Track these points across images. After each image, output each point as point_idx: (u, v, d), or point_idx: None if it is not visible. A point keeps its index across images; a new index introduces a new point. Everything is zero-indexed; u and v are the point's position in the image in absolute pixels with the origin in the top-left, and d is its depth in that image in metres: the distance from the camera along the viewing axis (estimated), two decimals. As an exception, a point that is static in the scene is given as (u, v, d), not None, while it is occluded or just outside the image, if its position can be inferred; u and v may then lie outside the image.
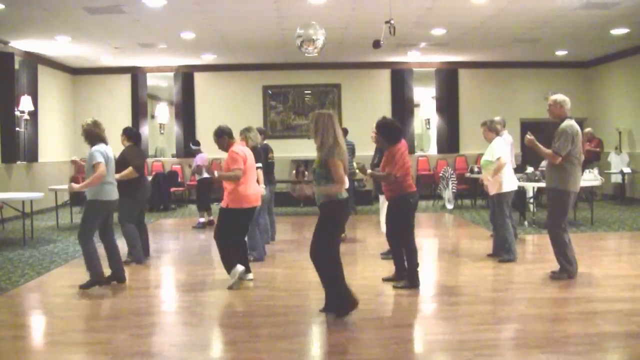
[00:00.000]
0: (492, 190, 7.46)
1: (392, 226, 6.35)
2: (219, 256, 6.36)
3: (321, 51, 8.88)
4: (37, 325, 5.42)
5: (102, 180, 6.20)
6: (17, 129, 12.71)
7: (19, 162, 12.74)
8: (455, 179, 13.36)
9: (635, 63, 14.06)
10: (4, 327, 5.12)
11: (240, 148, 6.56)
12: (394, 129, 6.34)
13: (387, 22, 8.78)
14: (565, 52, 14.75)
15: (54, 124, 14.54)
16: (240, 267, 6.28)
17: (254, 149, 7.19)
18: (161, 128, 18.07)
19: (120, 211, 7.70)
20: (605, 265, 7.24)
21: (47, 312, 5.69)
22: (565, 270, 6.37)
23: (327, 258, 5.04)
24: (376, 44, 9.66)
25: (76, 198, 12.70)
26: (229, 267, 6.30)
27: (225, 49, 13.63)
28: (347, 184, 5.05)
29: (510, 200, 7.56)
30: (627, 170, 13.66)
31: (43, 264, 7.64)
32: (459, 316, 5.22)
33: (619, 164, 14.05)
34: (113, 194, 6.41)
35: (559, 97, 6.47)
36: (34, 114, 13.03)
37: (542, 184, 10.32)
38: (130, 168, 7.53)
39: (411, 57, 15.33)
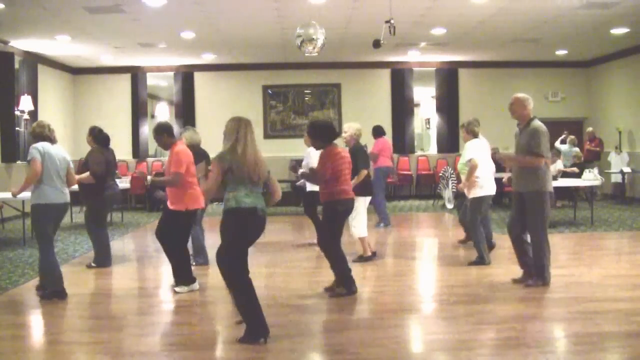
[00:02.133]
0: (469, 194, 7.30)
1: (323, 232, 6.12)
2: (176, 264, 6.19)
3: (321, 51, 8.88)
4: (37, 325, 5.42)
5: (40, 181, 5.74)
6: (17, 128, 12.70)
7: (19, 162, 12.73)
8: (455, 179, 13.31)
9: (635, 63, 14.06)
10: (4, 326, 5.12)
11: (185, 148, 6.29)
12: (327, 129, 6.02)
13: (387, 21, 8.78)
14: (565, 52, 14.75)
15: (54, 124, 14.20)
16: (197, 285, 6.23)
17: (191, 149, 6.91)
18: (161, 128, 18.05)
19: (86, 216, 7.64)
20: (605, 265, 7.23)
21: (47, 312, 5.68)
22: (542, 278, 6.08)
23: (231, 270, 4.53)
24: (376, 44, 9.66)
25: (76, 198, 12.69)
26: (188, 277, 6.18)
27: (225, 48, 13.63)
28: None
29: (485, 206, 7.37)
30: (627, 169, 13.66)
31: (43, 264, 7.63)
32: (459, 316, 5.22)
33: (619, 163, 14.05)
34: (57, 197, 5.83)
35: (522, 95, 6.14)
36: (34, 114, 13.02)
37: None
38: (87, 173, 7.33)
39: (411, 56, 15.33)
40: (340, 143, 6.50)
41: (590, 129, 14.89)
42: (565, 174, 11.95)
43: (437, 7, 10.18)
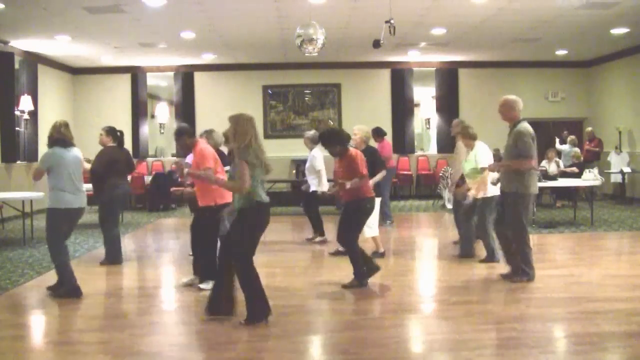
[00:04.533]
0: (477, 195, 7.32)
1: (349, 229, 6.24)
2: (204, 261, 6.23)
3: (321, 51, 8.88)
4: (37, 325, 5.42)
5: (55, 187, 5.86)
6: (17, 128, 12.71)
7: (19, 162, 12.74)
8: (455, 179, 13.34)
9: (635, 63, 14.06)
10: (4, 326, 5.12)
11: (206, 146, 6.37)
12: (342, 135, 6.33)
13: (387, 21, 8.79)
14: (565, 52, 14.75)
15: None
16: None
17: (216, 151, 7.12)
18: (161, 128, 18.07)
19: (99, 215, 7.78)
20: (605, 265, 7.23)
21: (47, 312, 5.69)
22: (526, 274, 6.22)
23: (246, 262, 4.90)
24: (376, 44, 9.66)
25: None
26: (211, 273, 6.14)
27: (225, 48, 13.63)
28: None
29: (494, 205, 7.32)
30: (627, 169, 13.66)
31: (43, 264, 7.64)
32: (459, 316, 5.22)
33: (619, 163, 14.05)
34: (74, 201, 5.92)
35: (510, 97, 6.24)
36: (34, 114, 13.03)
37: (542, 184, 10.35)
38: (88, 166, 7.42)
39: (411, 56, 15.33)
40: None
41: (589, 128, 14.88)
42: (565, 174, 11.96)
43: (437, 7, 10.18)
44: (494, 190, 7.22)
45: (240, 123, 4.91)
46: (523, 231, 6.19)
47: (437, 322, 5.20)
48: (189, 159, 10.72)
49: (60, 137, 5.99)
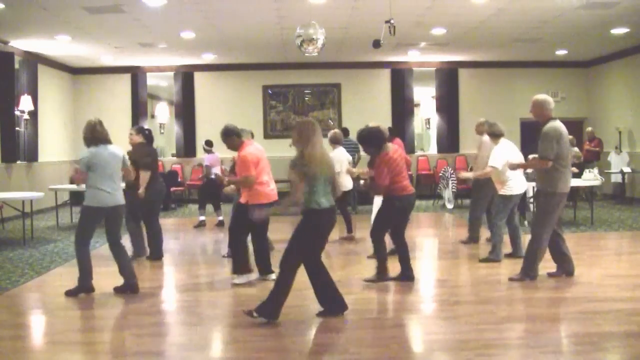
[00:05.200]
0: (499, 191, 7.37)
1: (376, 225, 6.41)
2: (234, 255, 6.47)
3: (321, 51, 8.88)
4: (37, 325, 5.42)
5: (91, 186, 5.86)
6: (17, 128, 12.71)
7: (19, 162, 12.74)
8: (455, 179, 13.36)
9: (635, 63, 14.06)
10: (4, 326, 5.12)
11: (251, 150, 6.37)
12: (374, 137, 6.33)
13: (387, 21, 8.79)
14: (565, 52, 14.75)
15: (54, 124, 14.54)
16: (254, 275, 6.45)
17: None
18: (161, 128, 18.08)
19: (126, 209, 7.77)
20: (605, 265, 7.24)
21: (47, 312, 5.69)
22: (526, 275, 6.22)
23: (290, 263, 5.01)
24: (376, 44, 9.67)
25: (76, 197, 12.69)
26: (238, 266, 6.40)
27: (225, 48, 13.63)
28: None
29: (512, 204, 7.34)
30: (627, 169, 13.67)
31: (43, 264, 7.64)
32: (459, 316, 5.22)
33: (619, 163, 14.05)
34: (107, 200, 5.88)
35: (540, 97, 6.26)
36: (34, 114, 13.03)
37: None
38: (143, 171, 7.46)
39: (411, 56, 15.33)
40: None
41: (589, 129, 14.89)
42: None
43: (437, 7, 10.18)
44: (512, 190, 7.28)
45: (297, 130, 4.99)
46: (541, 232, 6.11)
47: (437, 322, 5.20)
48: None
49: (96, 136, 5.98)
